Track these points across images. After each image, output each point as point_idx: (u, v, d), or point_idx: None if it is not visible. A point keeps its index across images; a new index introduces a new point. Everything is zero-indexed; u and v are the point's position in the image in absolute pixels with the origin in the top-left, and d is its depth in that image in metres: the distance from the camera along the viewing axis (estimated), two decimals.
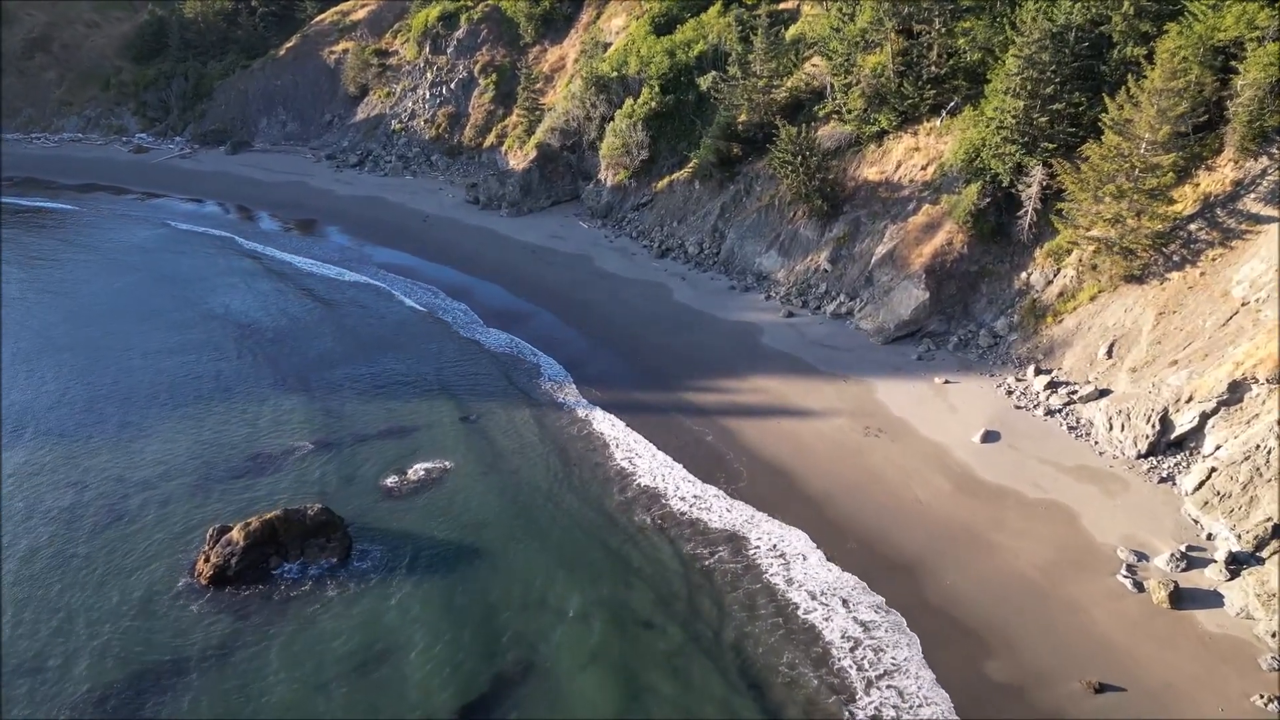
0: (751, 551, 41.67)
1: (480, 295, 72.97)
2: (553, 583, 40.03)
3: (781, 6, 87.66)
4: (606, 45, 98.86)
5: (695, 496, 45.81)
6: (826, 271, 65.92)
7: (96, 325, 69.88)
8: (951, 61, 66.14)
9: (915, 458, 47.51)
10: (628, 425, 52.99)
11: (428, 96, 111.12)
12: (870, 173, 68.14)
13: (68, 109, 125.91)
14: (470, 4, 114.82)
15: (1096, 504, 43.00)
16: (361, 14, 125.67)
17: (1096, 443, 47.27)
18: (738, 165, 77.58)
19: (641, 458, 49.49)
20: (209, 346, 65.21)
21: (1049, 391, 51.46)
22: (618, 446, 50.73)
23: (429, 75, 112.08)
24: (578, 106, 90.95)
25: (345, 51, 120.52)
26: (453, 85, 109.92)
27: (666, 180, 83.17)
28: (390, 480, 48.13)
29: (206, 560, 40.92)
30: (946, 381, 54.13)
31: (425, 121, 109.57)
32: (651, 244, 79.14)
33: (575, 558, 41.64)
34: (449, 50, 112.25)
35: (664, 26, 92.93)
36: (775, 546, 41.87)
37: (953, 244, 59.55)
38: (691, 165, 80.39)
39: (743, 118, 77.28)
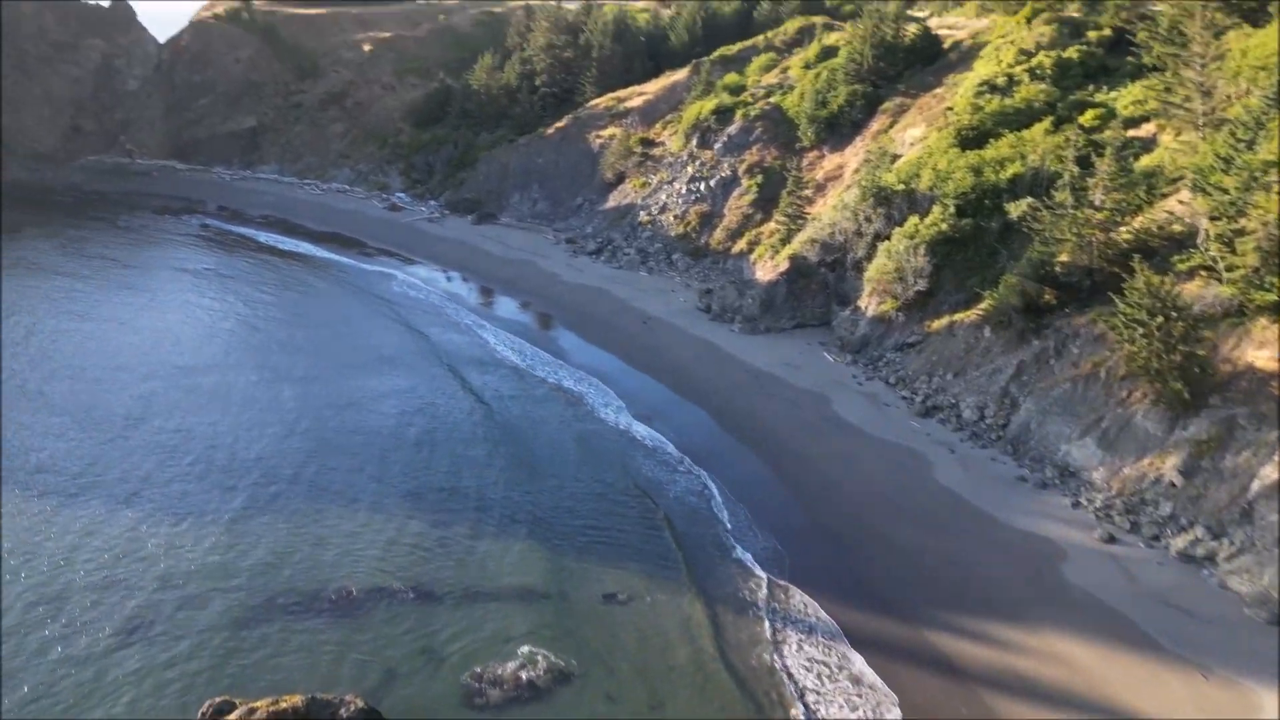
0: None
1: (679, 420, 57.98)
2: None
3: (1132, 134, 68.42)
4: (896, 156, 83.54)
5: None
6: (1174, 486, 44.87)
7: (222, 372, 63.74)
8: None
9: None
10: (838, 666, 35.24)
11: (684, 191, 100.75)
12: (1258, 357, 46.87)
13: (344, 161, 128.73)
14: (750, 100, 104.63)
15: None
16: (637, 101, 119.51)
17: None
18: (1048, 316, 58.34)
19: None
20: (355, 429, 55.02)
21: None
22: (814, 703, 33.02)
23: (689, 169, 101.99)
24: (848, 218, 75.67)
25: (611, 137, 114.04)
26: (712, 183, 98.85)
27: (945, 320, 65.16)
28: (479, 674, 33.42)
29: None
30: None
31: (675, 217, 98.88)
32: (913, 396, 61.10)
33: None
34: (716, 146, 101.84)
35: (972, 141, 76.05)
36: None
37: None
38: (984, 306, 62.00)
39: (1064, 257, 58.35)
